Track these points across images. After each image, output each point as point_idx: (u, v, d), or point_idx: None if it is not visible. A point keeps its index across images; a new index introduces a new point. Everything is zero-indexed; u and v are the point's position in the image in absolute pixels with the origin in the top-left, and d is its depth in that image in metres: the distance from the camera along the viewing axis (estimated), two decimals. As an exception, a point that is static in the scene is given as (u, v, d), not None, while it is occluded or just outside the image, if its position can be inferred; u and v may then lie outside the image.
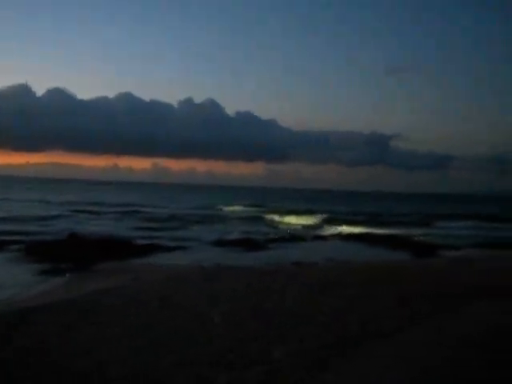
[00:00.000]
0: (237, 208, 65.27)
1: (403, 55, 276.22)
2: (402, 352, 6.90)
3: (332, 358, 6.81)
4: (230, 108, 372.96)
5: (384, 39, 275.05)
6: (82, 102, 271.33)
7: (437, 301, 10.36)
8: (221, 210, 61.70)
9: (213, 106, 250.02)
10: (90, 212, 47.13)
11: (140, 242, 25.34)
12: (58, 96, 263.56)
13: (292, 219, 48.10)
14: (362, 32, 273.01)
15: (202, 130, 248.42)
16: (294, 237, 31.76)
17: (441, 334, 7.69)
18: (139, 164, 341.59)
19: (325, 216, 50.11)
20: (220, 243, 27.20)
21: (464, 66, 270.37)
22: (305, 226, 41.65)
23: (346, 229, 38.44)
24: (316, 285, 12.29)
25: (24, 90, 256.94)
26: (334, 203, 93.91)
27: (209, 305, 10.03)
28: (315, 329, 8.26)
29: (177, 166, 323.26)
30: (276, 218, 49.12)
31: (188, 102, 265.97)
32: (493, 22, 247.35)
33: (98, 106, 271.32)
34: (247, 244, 26.76)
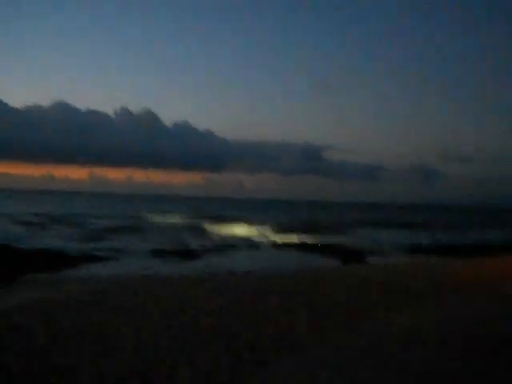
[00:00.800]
0: (175, 218, 64.87)
1: (335, 68, 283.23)
2: (330, 361, 6.44)
3: (250, 375, 6.20)
4: (167, 118, 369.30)
5: (316, 50, 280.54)
6: (14, 109, 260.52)
7: (366, 307, 10.24)
8: (159, 219, 61.14)
9: (150, 116, 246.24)
10: (22, 222, 45.66)
11: (74, 252, 25.02)
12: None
13: (230, 229, 48.43)
14: (294, 43, 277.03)
15: (140, 140, 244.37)
16: (231, 246, 32.08)
17: (374, 340, 7.44)
18: (76, 173, 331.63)
19: (261, 225, 50.75)
20: (156, 253, 27.11)
21: (393, 79, 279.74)
22: (242, 235, 42.04)
23: (281, 237, 39.24)
24: (246, 295, 12.00)
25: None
26: (272, 212, 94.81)
27: (123, 322, 9.03)
28: (236, 342, 7.50)
29: (114, 176, 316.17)
30: (214, 227, 49.25)
31: (125, 111, 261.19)
32: (418, 35, 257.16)
33: (32, 115, 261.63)
34: (183, 253, 26.90)
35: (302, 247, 31.91)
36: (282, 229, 48.07)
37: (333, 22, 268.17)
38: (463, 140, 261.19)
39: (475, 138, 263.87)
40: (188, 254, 26.81)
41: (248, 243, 34.72)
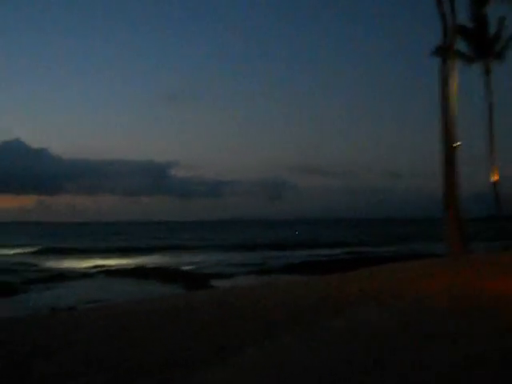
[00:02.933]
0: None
1: (178, 82, 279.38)
2: None
3: None
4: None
5: (161, 62, 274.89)
6: None
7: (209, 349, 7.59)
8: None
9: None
10: None
11: None
12: None
13: (62, 258, 44.22)
14: (138, 54, 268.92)
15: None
16: (62, 277, 28.57)
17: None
18: None
19: (98, 251, 47.44)
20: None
21: (239, 93, 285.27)
22: (75, 265, 38.19)
23: (120, 263, 36.51)
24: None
25: None
26: (110, 236, 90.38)
27: None
28: None
29: None
30: (43, 257, 44.59)
31: None
32: (269, 50, 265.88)
33: None
34: (-1, 289, 23.09)
35: (141, 273, 29.35)
36: (120, 254, 45.25)
37: (179, 32, 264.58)
38: (315, 154, 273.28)
39: (327, 151, 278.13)
40: (5, 290, 23.03)
41: (81, 273, 31.31)
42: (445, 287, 12.08)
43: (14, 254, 50.42)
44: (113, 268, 33.29)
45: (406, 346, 6.59)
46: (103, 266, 35.86)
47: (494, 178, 29.44)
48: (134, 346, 8.26)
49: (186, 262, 38.03)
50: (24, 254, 51.17)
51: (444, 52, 24.35)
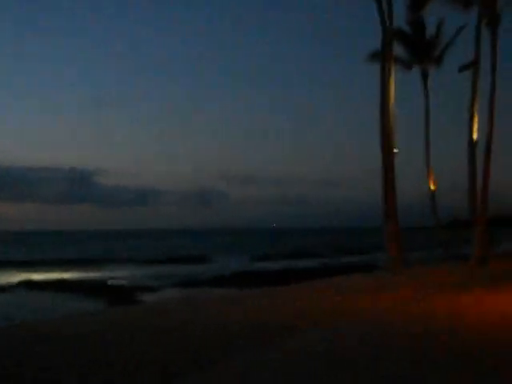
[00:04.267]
0: None
1: (105, 88, 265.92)
2: None
3: None
4: None
5: (85, 64, 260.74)
6: None
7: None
8: None
9: None
10: None
11: None
12: None
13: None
14: (57, 60, 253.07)
15: None
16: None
17: None
18: None
19: (14, 261, 44.31)
20: None
21: (168, 101, 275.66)
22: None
23: (39, 275, 34.49)
24: None
25: None
26: (31, 246, 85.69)
27: None
28: None
29: None
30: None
31: None
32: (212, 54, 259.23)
33: None
34: None
35: (64, 287, 27.67)
36: (41, 264, 42.97)
37: (110, 35, 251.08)
38: (246, 162, 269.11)
39: (257, 159, 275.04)
40: None
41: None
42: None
43: None
44: (34, 281, 31.00)
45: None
46: (25, 279, 33.17)
47: (431, 186, 29.28)
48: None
49: (112, 274, 36.44)
50: None
51: (380, 57, 23.92)
